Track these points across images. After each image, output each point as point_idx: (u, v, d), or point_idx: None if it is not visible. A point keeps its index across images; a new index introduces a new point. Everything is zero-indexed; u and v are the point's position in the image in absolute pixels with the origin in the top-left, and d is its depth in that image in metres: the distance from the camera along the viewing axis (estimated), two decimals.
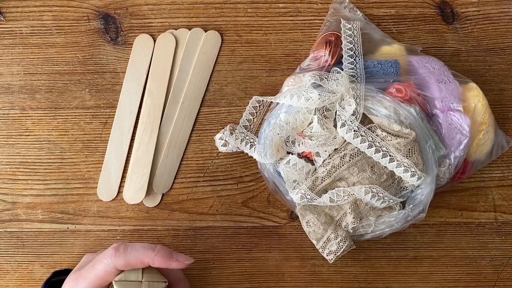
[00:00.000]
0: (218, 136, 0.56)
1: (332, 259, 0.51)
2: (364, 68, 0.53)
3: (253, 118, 0.58)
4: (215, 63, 0.58)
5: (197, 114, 0.58)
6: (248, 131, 0.57)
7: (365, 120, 0.51)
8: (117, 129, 0.58)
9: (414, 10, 0.60)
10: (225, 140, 0.56)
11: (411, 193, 0.52)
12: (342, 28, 0.55)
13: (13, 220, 0.57)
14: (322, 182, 0.52)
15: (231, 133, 0.57)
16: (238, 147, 0.56)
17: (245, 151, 0.56)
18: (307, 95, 0.50)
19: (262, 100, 0.57)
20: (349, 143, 0.51)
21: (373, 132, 0.50)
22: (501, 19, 0.60)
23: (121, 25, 0.59)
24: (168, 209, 0.57)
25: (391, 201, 0.51)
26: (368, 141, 0.50)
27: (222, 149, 0.56)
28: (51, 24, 0.59)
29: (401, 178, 0.52)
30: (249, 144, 0.56)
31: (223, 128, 0.57)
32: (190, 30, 0.59)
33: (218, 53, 0.59)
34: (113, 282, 0.43)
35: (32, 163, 0.57)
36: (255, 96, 0.57)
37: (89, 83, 0.58)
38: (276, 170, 0.54)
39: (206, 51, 0.58)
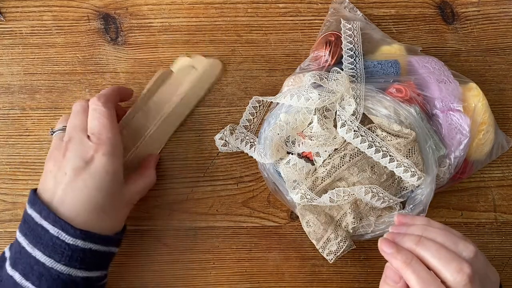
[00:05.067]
0: (218, 136, 0.56)
1: (332, 259, 0.51)
2: (364, 68, 0.53)
3: (253, 118, 0.58)
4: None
5: (191, 115, 0.58)
6: (248, 131, 0.57)
7: (365, 120, 0.51)
8: None
9: (414, 10, 0.60)
10: (225, 140, 0.56)
11: (411, 193, 0.52)
12: (342, 28, 0.55)
13: (13, 220, 0.57)
14: (322, 182, 0.52)
15: (231, 133, 0.57)
16: (238, 147, 0.56)
17: (245, 151, 0.56)
18: (307, 95, 0.50)
19: (262, 100, 0.57)
20: (349, 143, 0.51)
21: (373, 132, 0.50)
22: (501, 19, 0.60)
23: (121, 25, 0.59)
24: (168, 209, 0.57)
25: (391, 201, 0.51)
26: (368, 141, 0.50)
27: (222, 149, 0.57)
28: (51, 24, 0.59)
29: (401, 178, 0.52)
30: (249, 144, 0.56)
31: (223, 128, 0.57)
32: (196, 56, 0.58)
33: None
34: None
35: (32, 163, 0.57)
36: (255, 96, 0.57)
37: (89, 83, 0.58)
38: (276, 170, 0.54)
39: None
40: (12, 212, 0.57)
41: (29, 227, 0.45)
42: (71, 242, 0.45)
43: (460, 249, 0.41)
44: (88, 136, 0.48)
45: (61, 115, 0.58)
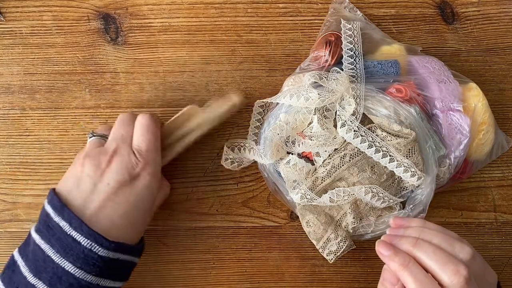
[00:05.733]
0: (223, 159, 0.56)
1: (332, 259, 0.51)
2: (364, 68, 0.53)
3: (260, 124, 0.57)
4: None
5: None
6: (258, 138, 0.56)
7: (365, 120, 0.51)
8: None
9: (414, 10, 0.60)
10: (230, 159, 0.56)
11: (411, 193, 0.52)
12: (342, 28, 0.55)
13: (13, 220, 0.57)
14: (322, 182, 0.52)
15: (232, 150, 0.56)
16: (247, 157, 0.56)
17: (251, 158, 0.55)
18: (307, 95, 0.50)
19: (264, 104, 0.57)
20: (349, 143, 0.51)
21: (373, 132, 0.50)
22: (501, 19, 0.60)
23: (121, 25, 0.59)
24: (168, 209, 0.57)
25: (391, 201, 0.51)
26: (368, 141, 0.50)
27: (233, 167, 0.56)
28: (51, 24, 0.59)
29: (401, 178, 0.52)
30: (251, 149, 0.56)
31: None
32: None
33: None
34: None
35: (32, 163, 0.57)
36: (257, 102, 0.56)
37: (89, 83, 0.58)
38: (276, 170, 0.54)
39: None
40: (12, 212, 0.57)
41: (54, 235, 0.44)
42: (104, 254, 0.44)
43: (457, 251, 0.41)
44: (133, 151, 0.48)
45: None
